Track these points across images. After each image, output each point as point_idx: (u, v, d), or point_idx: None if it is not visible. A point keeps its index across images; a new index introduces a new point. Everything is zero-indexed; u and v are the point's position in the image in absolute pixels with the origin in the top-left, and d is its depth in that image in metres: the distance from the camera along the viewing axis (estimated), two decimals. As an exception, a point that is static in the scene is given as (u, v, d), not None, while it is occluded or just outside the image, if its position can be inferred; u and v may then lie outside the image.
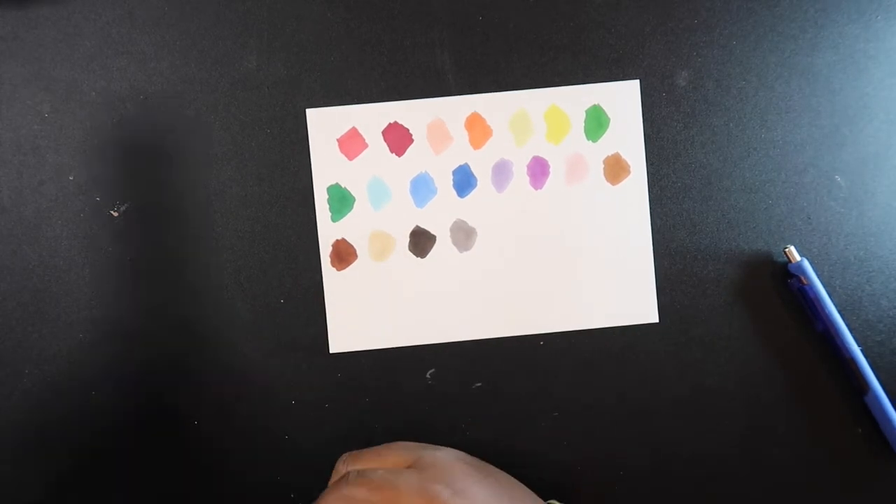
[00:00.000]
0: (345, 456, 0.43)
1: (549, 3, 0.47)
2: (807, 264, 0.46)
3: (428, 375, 0.48)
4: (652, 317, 0.47)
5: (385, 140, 0.47)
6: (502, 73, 0.47)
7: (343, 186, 0.47)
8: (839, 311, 0.46)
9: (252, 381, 0.47)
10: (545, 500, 0.43)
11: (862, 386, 0.46)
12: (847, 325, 0.46)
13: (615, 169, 0.47)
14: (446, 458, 0.40)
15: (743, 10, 0.47)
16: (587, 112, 0.47)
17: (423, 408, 0.48)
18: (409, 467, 0.40)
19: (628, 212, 0.47)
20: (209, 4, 0.47)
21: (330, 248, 0.47)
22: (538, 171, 0.47)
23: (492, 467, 0.42)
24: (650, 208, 0.47)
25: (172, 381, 0.47)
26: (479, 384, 0.48)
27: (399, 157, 0.47)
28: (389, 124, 0.47)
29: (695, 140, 0.47)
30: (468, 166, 0.47)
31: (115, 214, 0.47)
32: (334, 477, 0.42)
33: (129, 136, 0.47)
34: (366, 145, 0.47)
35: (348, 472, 0.39)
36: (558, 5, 0.47)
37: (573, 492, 0.48)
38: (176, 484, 0.47)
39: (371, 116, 0.47)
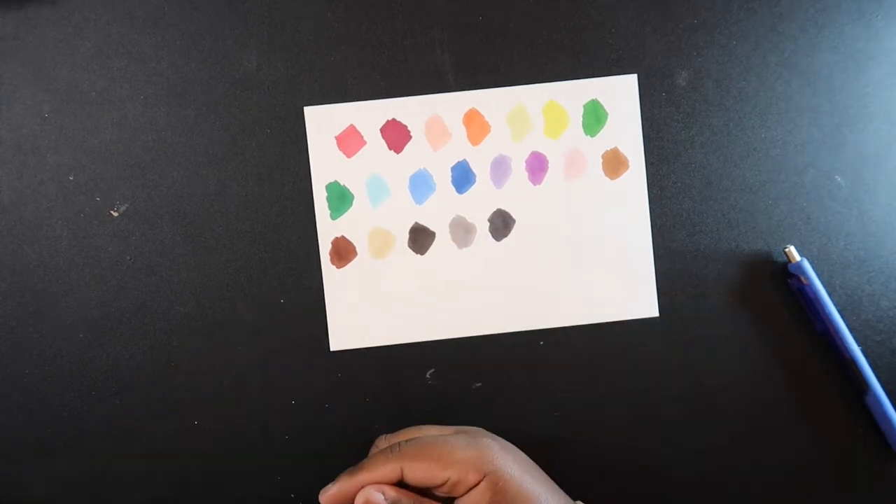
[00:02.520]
0: (382, 437, 0.44)
1: (549, 3, 0.47)
2: (807, 264, 0.46)
3: (428, 375, 0.47)
4: (652, 311, 0.47)
5: (383, 137, 0.47)
6: (502, 73, 0.47)
7: (342, 184, 0.47)
8: (839, 311, 0.46)
9: (252, 381, 0.47)
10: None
11: (862, 386, 0.46)
12: (847, 325, 0.46)
13: (614, 163, 0.47)
14: (487, 434, 0.42)
15: (743, 10, 0.47)
16: (585, 107, 0.47)
17: (423, 408, 0.48)
18: None
19: (627, 206, 0.47)
20: (209, 4, 0.47)
21: (329, 246, 0.47)
22: (536, 166, 0.47)
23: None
24: (650, 208, 0.47)
25: (172, 381, 0.47)
26: (478, 384, 0.48)
27: (397, 153, 0.47)
28: (387, 121, 0.47)
29: (694, 140, 0.47)
30: (466, 162, 0.47)
31: (115, 214, 0.47)
32: (372, 450, 0.43)
33: (129, 136, 0.47)
34: (364, 142, 0.47)
35: (399, 444, 0.39)
36: (558, 5, 0.47)
37: (574, 491, 0.48)
38: (176, 484, 0.47)
39: (369, 114, 0.47)
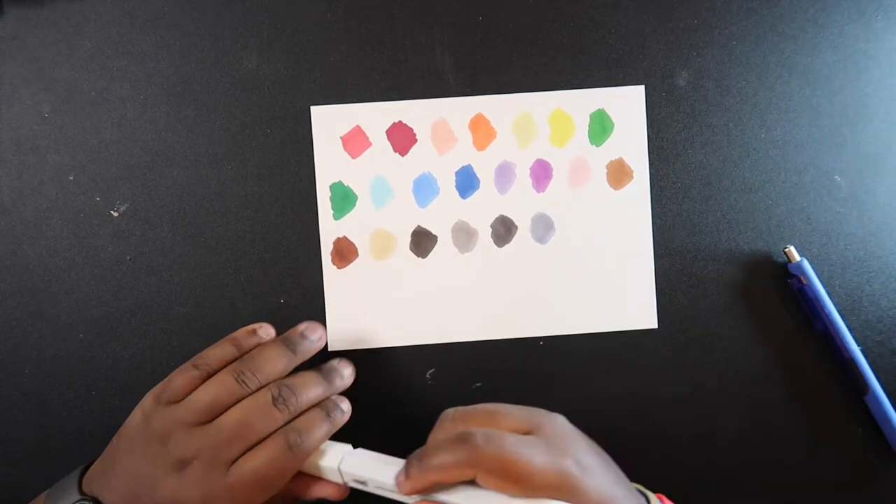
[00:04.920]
0: (451, 412, 0.39)
1: (549, 3, 0.47)
2: (807, 264, 0.46)
3: (428, 375, 0.47)
4: (651, 322, 0.47)
5: (389, 139, 0.47)
6: (502, 73, 0.47)
7: (346, 184, 0.47)
8: (839, 311, 0.46)
9: (252, 381, 0.47)
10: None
11: (862, 386, 0.46)
12: (847, 325, 0.46)
13: (618, 174, 0.47)
14: (564, 427, 0.38)
15: (743, 10, 0.47)
16: (591, 116, 0.47)
17: (423, 408, 0.48)
18: (528, 433, 0.37)
19: (630, 217, 0.47)
20: (209, 4, 0.47)
21: (331, 246, 0.47)
22: (541, 173, 0.47)
23: (592, 441, 0.40)
24: (650, 209, 0.47)
25: (172, 381, 0.47)
26: (479, 384, 0.48)
27: (402, 156, 0.47)
28: (393, 123, 0.47)
29: (695, 140, 0.47)
30: (471, 167, 0.47)
31: (115, 214, 0.47)
32: (441, 433, 0.38)
33: (129, 136, 0.47)
34: (369, 144, 0.47)
35: (474, 433, 0.35)
36: (558, 5, 0.47)
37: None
38: (176, 484, 0.47)
39: (375, 115, 0.47)
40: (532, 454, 0.35)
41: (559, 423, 0.38)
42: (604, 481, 0.36)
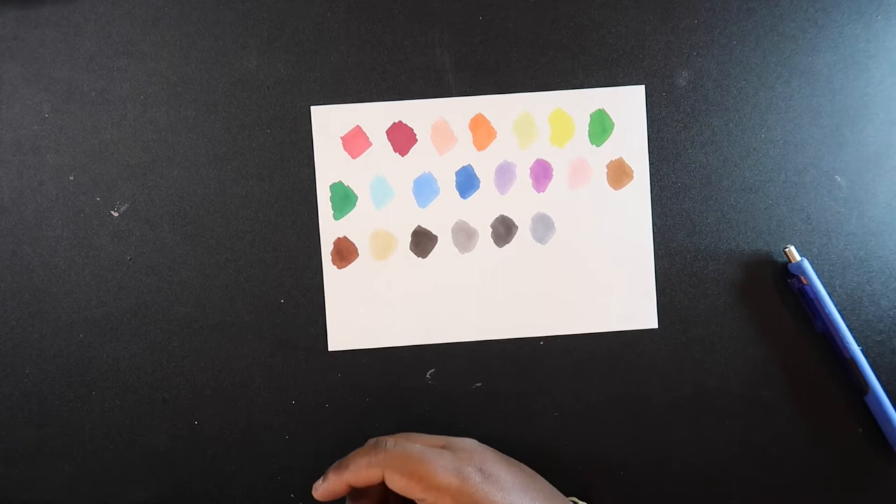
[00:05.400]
0: (373, 439, 0.42)
1: (549, 3, 0.47)
2: (807, 264, 0.46)
3: (428, 375, 0.48)
4: (651, 322, 0.47)
5: (389, 139, 0.47)
6: (502, 73, 0.47)
7: (346, 185, 0.47)
8: (839, 311, 0.46)
9: (252, 381, 0.47)
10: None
11: (862, 386, 0.46)
12: (847, 325, 0.46)
13: (618, 174, 0.47)
14: (473, 444, 0.42)
15: (743, 10, 0.47)
16: (592, 116, 0.47)
17: (423, 408, 0.48)
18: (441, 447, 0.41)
19: (630, 217, 0.47)
20: (209, 4, 0.47)
21: (331, 246, 0.47)
22: (541, 173, 0.47)
23: (514, 460, 0.43)
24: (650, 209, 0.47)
25: (172, 381, 0.47)
26: (479, 384, 0.48)
27: (402, 156, 0.47)
28: (394, 124, 0.47)
29: (695, 140, 0.47)
30: (471, 167, 0.47)
31: (115, 214, 0.47)
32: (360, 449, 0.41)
33: (129, 136, 0.47)
34: (370, 144, 0.47)
35: (385, 439, 0.39)
36: (558, 5, 0.47)
37: (573, 492, 0.48)
38: (176, 484, 0.47)
39: (375, 115, 0.47)
40: (435, 457, 0.38)
41: (468, 442, 0.42)
42: (514, 491, 0.39)
